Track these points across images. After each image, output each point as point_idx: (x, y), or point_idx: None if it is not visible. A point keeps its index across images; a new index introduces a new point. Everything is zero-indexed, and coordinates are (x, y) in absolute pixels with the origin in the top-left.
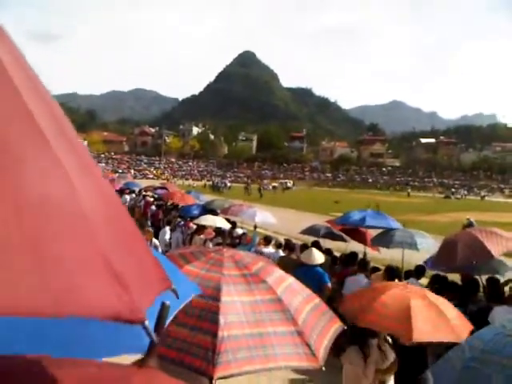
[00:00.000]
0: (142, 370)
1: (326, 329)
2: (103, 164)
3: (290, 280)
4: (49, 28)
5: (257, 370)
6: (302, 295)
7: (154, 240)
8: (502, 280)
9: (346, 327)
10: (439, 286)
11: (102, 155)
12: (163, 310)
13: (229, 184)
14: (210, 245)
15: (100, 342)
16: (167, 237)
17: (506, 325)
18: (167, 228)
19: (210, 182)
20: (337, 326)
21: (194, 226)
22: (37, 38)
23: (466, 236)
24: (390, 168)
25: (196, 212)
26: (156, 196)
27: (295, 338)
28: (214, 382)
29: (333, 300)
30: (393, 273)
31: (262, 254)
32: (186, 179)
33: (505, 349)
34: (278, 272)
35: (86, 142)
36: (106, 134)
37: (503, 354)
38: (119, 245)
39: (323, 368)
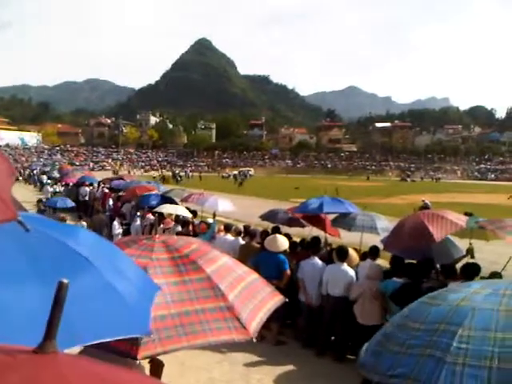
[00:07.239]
0: (37, 356)
1: (262, 303)
2: (59, 156)
3: (225, 259)
4: None
5: (184, 347)
6: (237, 272)
7: None
8: None
9: (287, 300)
10: (396, 266)
11: (57, 148)
12: (61, 290)
13: (190, 173)
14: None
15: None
16: (119, 231)
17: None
18: (115, 222)
19: (170, 173)
20: (277, 299)
21: (152, 217)
22: None
23: (413, 219)
24: (347, 153)
25: (154, 202)
26: (113, 187)
27: (225, 313)
28: (138, 362)
29: (293, 283)
30: (342, 253)
31: (224, 242)
32: (146, 170)
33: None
34: (213, 253)
35: (40, 135)
36: (60, 126)
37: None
38: None
39: (254, 340)
